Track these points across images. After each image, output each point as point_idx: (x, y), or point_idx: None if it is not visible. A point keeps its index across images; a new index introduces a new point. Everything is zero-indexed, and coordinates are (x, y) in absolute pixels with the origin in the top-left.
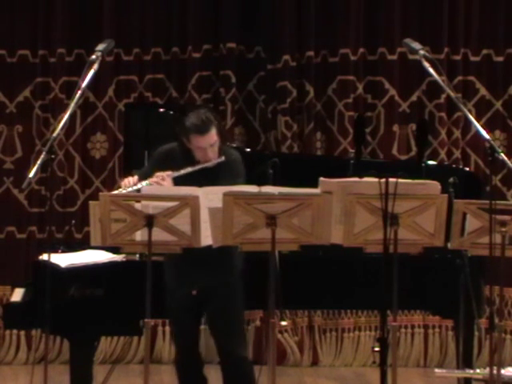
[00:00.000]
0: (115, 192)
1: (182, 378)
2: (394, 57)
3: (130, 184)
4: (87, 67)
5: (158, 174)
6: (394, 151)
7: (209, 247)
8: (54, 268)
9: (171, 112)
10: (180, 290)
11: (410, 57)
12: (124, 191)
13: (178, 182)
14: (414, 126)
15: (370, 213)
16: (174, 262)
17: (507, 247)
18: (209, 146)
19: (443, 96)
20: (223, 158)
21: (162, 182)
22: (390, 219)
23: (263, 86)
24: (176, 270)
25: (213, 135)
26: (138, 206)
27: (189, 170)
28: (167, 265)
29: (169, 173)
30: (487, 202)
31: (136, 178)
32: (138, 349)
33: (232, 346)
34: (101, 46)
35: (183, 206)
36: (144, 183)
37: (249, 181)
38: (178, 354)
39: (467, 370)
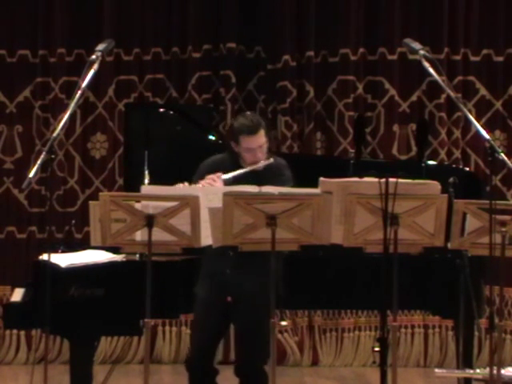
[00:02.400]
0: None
1: (192, 379)
2: (394, 57)
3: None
4: (87, 67)
5: (209, 176)
6: (394, 151)
7: (244, 253)
8: (54, 268)
9: (171, 112)
10: (213, 298)
11: (410, 57)
12: None
13: (227, 185)
14: (414, 126)
15: (370, 213)
16: (209, 270)
17: (507, 247)
18: (258, 146)
19: (443, 96)
20: (272, 160)
21: (214, 184)
22: (390, 219)
23: (263, 86)
24: (210, 278)
25: (262, 136)
26: (138, 205)
27: (239, 171)
28: (203, 273)
29: (219, 174)
30: (487, 202)
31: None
32: (138, 349)
33: (255, 358)
34: (101, 46)
35: (183, 206)
36: (193, 186)
37: None
38: (191, 355)
39: (467, 370)
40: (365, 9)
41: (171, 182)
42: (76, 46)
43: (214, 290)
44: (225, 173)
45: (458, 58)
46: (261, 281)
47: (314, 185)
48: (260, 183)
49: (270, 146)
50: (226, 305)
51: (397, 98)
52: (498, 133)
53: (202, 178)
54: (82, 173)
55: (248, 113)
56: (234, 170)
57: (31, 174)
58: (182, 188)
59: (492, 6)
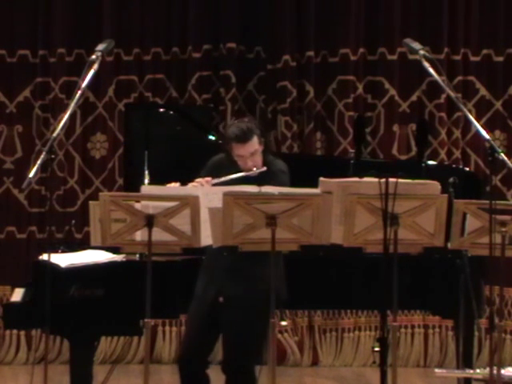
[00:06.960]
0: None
1: (182, 378)
2: (394, 57)
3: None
4: (87, 67)
5: (198, 179)
6: (394, 151)
7: (241, 255)
8: (54, 268)
9: (171, 112)
10: (206, 296)
11: (410, 57)
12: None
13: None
14: (414, 126)
15: (370, 213)
16: (207, 269)
17: (507, 247)
18: (249, 154)
19: (443, 96)
20: (265, 168)
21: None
22: (390, 219)
23: (263, 85)
24: (207, 277)
25: (253, 144)
26: (137, 205)
27: (229, 177)
28: (202, 271)
29: (208, 179)
30: (487, 202)
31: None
32: (138, 349)
33: (236, 358)
34: (101, 46)
35: (183, 206)
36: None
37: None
38: (182, 353)
39: (467, 370)
40: (365, 9)
41: (171, 182)
42: (76, 46)
43: (208, 289)
44: (222, 171)
45: (458, 58)
46: (248, 284)
47: (314, 185)
48: None
49: (270, 148)
50: (218, 304)
51: (397, 98)
52: (497, 133)
53: (208, 176)
54: (82, 173)
55: (244, 120)
56: (231, 170)
57: (31, 174)
58: (181, 188)
59: (492, 6)
